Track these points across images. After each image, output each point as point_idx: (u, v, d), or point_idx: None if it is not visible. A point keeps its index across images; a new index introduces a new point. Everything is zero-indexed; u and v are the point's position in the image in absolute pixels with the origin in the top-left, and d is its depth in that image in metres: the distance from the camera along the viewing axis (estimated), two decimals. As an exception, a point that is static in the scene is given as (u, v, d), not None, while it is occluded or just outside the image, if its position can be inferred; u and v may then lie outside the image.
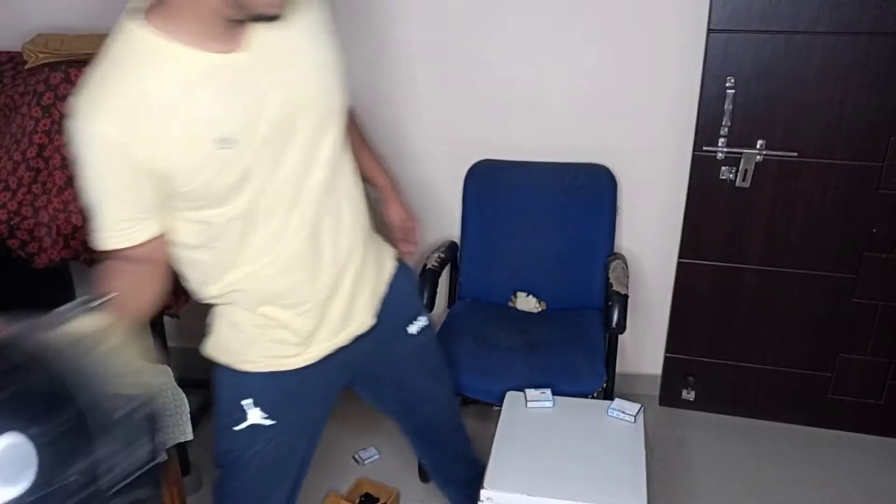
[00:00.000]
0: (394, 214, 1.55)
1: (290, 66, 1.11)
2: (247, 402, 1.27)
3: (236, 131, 1.05)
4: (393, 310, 1.38)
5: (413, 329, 1.45)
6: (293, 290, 1.20)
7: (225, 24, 1.02)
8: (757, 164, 2.12)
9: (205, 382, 2.51)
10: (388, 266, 1.41)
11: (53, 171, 1.88)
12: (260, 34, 1.08)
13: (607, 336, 2.03)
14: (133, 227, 1.06)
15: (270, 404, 1.27)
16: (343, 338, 1.30)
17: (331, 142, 1.18)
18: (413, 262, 2.30)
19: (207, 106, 1.03)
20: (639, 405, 1.60)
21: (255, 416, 1.27)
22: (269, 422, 1.27)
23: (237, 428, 1.27)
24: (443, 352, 1.59)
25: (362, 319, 1.33)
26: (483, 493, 1.38)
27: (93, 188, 1.05)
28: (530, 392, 1.67)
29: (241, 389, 1.28)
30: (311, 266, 1.20)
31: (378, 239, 1.40)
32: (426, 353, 1.52)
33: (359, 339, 1.33)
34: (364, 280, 1.31)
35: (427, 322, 1.49)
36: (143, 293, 1.09)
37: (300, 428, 1.34)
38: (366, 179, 1.42)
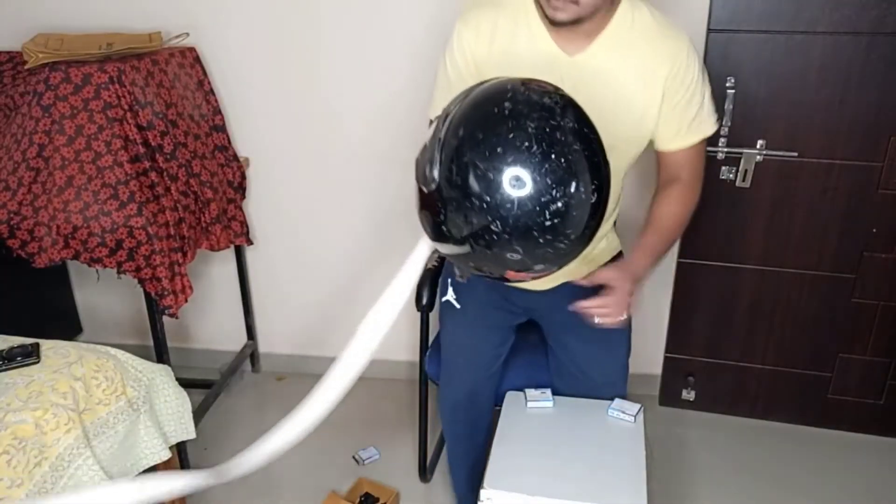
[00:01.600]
0: (610, 271, 1.36)
1: (601, 93, 1.28)
2: (450, 280, 1.68)
3: None
4: (578, 292, 1.45)
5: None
6: None
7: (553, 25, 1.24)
8: (757, 164, 2.12)
9: (205, 383, 2.53)
10: (601, 261, 1.55)
11: (53, 171, 1.88)
12: (598, 54, 1.28)
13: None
14: None
15: (460, 289, 1.65)
16: (529, 285, 1.50)
17: None
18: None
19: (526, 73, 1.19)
20: (639, 405, 1.60)
21: (450, 294, 1.66)
22: (457, 304, 1.65)
23: (443, 299, 1.69)
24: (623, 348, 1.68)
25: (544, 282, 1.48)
26: (483, 493, 1.38)
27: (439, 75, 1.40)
28: (530, 392, 1.67)
29: (450, 270, 1.70)
30: None
31: (614, 239, 1.60)
32: (600, 336, 1.54)
33: (539, 292, 1.55)
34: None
35: None
36: None
37: (482, 327, 1.65)
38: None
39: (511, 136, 0.94)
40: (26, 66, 1.95)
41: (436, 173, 0.99)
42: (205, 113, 2.29)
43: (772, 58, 2.01)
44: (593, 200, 0.99)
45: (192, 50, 2.26)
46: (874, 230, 2.13)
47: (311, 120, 2.40)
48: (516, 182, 0.93)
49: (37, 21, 2.30)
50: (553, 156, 0.95)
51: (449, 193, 0.98)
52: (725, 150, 2.13)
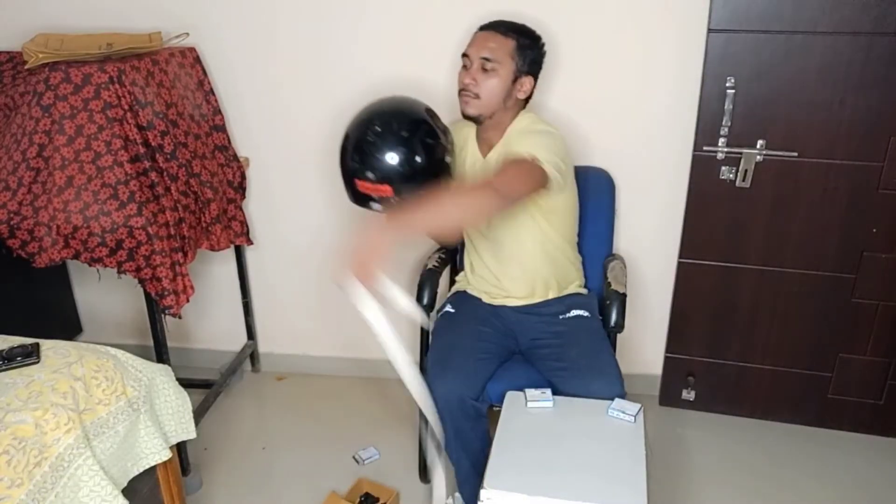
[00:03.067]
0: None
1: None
2: (448, 306, 2.04)
3: None
4: (550, 304, 1.95)
5: (565, 316, 1.93)
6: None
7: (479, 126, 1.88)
8: (757, 164, 2.13)
9: (205, 383, 2.52)
10: (570, 288, 2.01)
11: (53, 171, 1.88)
12: (494, 155, 1.86)
13: (607, 335, 2.03)
14: None
15: (456, 302, 2.04)
16: (500, 302, 1.99)
17: None
18: (413, 263, 2.30)
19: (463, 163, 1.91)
20: (639, 405, 1.60)
21: (448, 307, 2.03)
22: (452, 309, 2.01)
23: (441, 311, 2.04)
24: (602, 343, 1.88)
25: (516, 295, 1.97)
26: (483, 493, 1.38)
27: None
28: (530, 392, 1.67)
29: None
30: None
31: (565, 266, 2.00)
32: (575, 334, 1.88)
33: (515, 308, 1.96)
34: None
35: (582, 314, 1.93)
36: None
37: (469, 324, 1.94)
38: None
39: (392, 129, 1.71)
40: (26, 66, 1.95)
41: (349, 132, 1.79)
42: (205, 113, 2.29)
43: (772, 58, 2.01)
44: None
45: (192, 50, 2.26)
46: (874, 230, 2.13)
47: (311, 120, 2.40)
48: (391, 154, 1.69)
49: (37, 21, 2.31)
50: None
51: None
52: (725, 150, 2.13)
